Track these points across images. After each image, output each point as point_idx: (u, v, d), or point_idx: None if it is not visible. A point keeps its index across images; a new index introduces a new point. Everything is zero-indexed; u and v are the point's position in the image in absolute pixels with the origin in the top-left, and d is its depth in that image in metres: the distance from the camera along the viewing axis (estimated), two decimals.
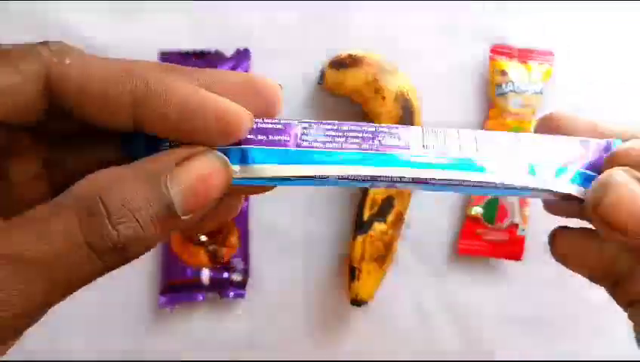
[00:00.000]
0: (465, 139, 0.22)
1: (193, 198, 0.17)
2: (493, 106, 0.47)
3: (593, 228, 0.21)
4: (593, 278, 0.23)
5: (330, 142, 0.21)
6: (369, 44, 0.46)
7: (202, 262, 0.46)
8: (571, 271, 0.24)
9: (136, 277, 0.47)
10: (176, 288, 0.46)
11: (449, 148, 0.21)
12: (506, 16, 0.48)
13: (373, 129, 0.21)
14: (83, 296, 0.47)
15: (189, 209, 0.17)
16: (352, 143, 0.21)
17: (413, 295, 0.48)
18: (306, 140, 0.21)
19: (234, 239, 0.46)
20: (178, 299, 0.46)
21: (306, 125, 0.21)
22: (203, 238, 0.46)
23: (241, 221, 0.47)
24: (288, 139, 0.20)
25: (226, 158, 0.19)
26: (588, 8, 0.48)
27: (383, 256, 0.45)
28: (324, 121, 0.21)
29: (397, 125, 0.22)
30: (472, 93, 0.48)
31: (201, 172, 0.17)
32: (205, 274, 0.46)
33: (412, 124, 0.44)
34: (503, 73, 0.46)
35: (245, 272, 0.47)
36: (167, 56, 0.45)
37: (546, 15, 0.48)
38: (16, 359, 0.47)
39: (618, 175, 0.19)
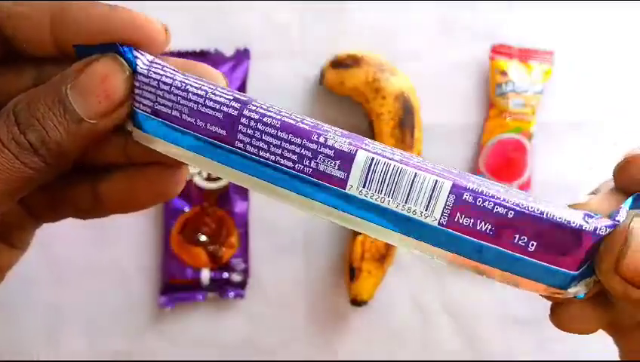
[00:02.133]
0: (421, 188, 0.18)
1: (92, 98, 0.19)
2: (493, 106, 0.47)
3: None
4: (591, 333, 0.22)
5: (265, 149, 0.19)
6: (369, 44, 0.46)
7: (202, 262, 0.46)
8: None
9: (136, 276, 0.47)
10: (176, 288, 0.46)
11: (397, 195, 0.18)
12: (506, 16, 0.48)
13: (315, 146, 0.18)
14: (83, 296, 0.47)
15: (91, 110, 0.19)
16: (287, 159, 0.18)
17: (413, 295, 0.48)
18: (243, 140, 0.19)
19: (234, 239, 0.46)
20: (178, 298, 0.46)
21: (250, 120, 0.19)
22: (203, 238, 0.46)
23: (241, 221, 0.47)
24: (224, 132, 0.19)
25: (122, 60, 0.19)
26: (588, 8, 0.48)
27: (383, 256, 0.45)
28: (269, 115, 0.19)
29: (348, 137, 0.18)
30: (472, 93, 0.48)
31: (97, 73, 0.19)
32: (205, 274, 0.46)
33: (412, 124, 0.44)
34: (503, 73, 0.46)
35: (245, 272, 0.47)
36: (166, 56, 0.45)
37: (546, 15, 0.48)
38: (17, 359, 0.47)
39: (634, 223, 0.17)
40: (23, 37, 0.20)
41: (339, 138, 0.18)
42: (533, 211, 0.17)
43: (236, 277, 0.46)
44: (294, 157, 0.18)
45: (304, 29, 0.47)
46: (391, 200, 0.18)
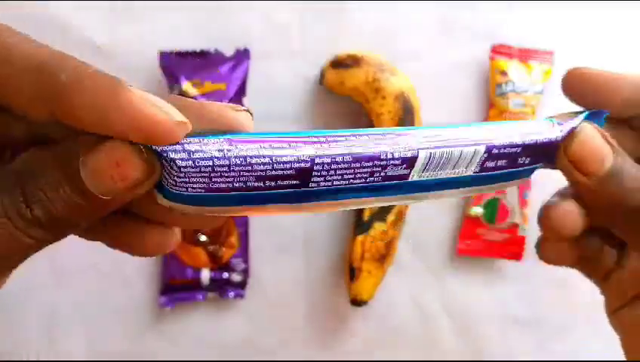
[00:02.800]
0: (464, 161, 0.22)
1: (107, 179, 0.17)
2: (493, 106, 0.47)
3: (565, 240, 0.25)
4: (570, 267, 0.27)
5: (339, 179, 0.20)
6: (369, 44, 0.46)
7: (202, 262, 0.46)
8: (568, 271, 0.27)
9: (136, 277, 0.47)
10: (177, 288, 0.46)
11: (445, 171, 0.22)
12: (506, 16, 0.48)
13: (385, 163, 0.20)
14: (83, 296, 0.47)
15: (105, 189, 0.17)
16: (358, 179, 0.20)
17: (413, 295, 0.48)
18: (317, 181, 0.19)
19: (234, 239, 0.46)
20: (178, 299, 0.46)
21: (323, 165, 0.19)
22: (203, 238, 0.46)
23: (241, 221, 0.47)
24: (297, 182, 0.19)
25: (140, 146, 0.17)
26: (588, 8, 0.48)
27: (383, 256, 0.45)
28: (337, 155, 0.19)
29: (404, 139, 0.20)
30: (472, 93, 0.48)
31: (110, 154, 0.17)
32: (205, 274, 0.46)
33: (412, 124, 0.44)
34: (503, 73, 0.46)
35: (245, 272, 0.47)
36: (166, 56, 0.45)
37: (546, 15, 0.48)
38: (17, 359, 0.47)
39: (587, 127, 0.23)
40: (9, 108, 0.18)
41: (401, 146, 0.20)
42: (531, 142, 0.22)
43: (236, 277, 0.46)
44: (366, 175, 0.20)
45: (304, 29, 0.47)
46: (442, 172, 0.21)
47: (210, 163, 0.18)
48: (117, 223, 0.21)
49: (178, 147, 0.18)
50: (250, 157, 0.18)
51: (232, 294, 0.46)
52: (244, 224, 0.47)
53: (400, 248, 0.47)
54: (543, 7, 0.48)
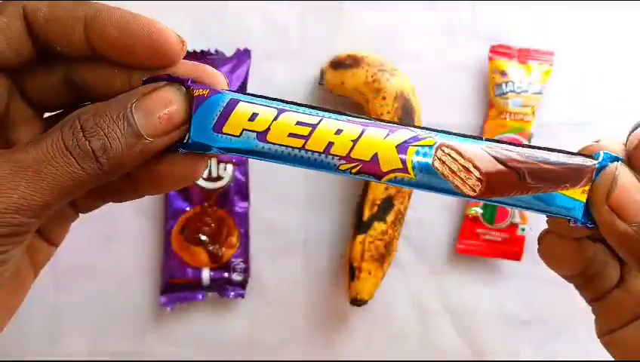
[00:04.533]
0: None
1: (154, 119, 0.21)
2: (492, 106, 0.47)
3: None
4: (569, 277, 0.26)
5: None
6: (369, 44, 0.46)
7: (203, 261, 0.46)
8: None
9: (136, 277, 0.47)
10: (177, 288, 0.46)
11: None
12: (506, 16, 0.48)
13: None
14: (84, 297, 0.47)
15: (150, 129, 0.20)
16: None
17: (413, 295, 0.48)
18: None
19: (234, 239, 0.46)
20: (178, 298, 0.46)
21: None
22: (203, 238, 0.46)
23: (242, 221, 0.47)
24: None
25: (185, 89, 0.21)
26: (588, 8, 0.48)
27: (383, 256, 0.45)
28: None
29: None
30: (471, 93, 0.48)
31: (162, 97, 0.21)
32: (205, 274, 0.46)
33: (412, 124, 0.44)
34: (503, 73, 0.46)
35: (245, 272, 0.47)
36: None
37: (546, 15, 0.48)
38: (17, 359, 0.47)
39: (624, 170, 0.21)
40: (57, 39, 0.21)
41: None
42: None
43: (236, 277, 0.47)
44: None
45: (304, 29, 0.47)
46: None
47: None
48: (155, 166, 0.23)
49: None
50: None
51: (232, 294, 0.46)
52: (244, 224, 0.47)
53: (400, 248, 0.47)
54: (542, 7, 0.48)
